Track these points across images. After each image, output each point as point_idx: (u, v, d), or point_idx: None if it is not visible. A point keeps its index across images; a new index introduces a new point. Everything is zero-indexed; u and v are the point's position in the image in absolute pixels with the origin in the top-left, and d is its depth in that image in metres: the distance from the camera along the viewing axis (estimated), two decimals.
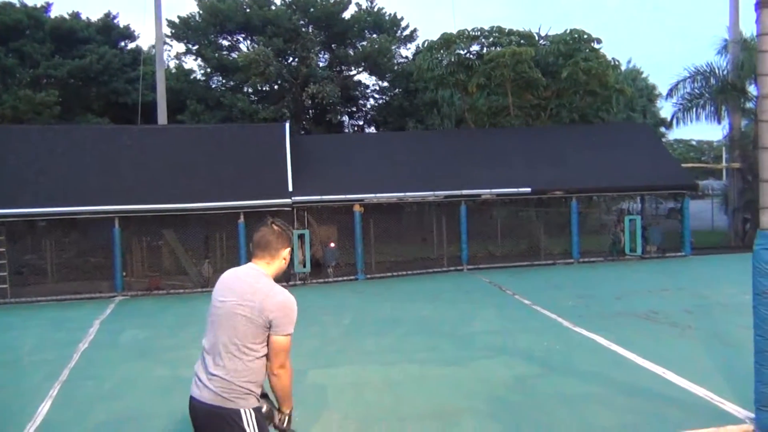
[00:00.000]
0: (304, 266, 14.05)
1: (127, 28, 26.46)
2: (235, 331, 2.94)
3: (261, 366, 3.00)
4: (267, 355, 3.00)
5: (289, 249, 3.19)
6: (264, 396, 3.10)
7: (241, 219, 13.78)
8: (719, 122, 21.08)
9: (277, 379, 3.01)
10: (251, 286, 3.01)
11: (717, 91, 20.00)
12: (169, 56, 27.73)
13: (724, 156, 26.62)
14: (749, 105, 19.62)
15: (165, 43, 24.50)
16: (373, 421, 5.42)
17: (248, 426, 2.91)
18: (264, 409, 3.03)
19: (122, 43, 26.45)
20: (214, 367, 2.94)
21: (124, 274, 13.80)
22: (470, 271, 15.06)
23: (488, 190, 15.32)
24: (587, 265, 15.51)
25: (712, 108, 20.54)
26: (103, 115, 23.63)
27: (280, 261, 3.17)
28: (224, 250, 15.04)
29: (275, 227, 3.16)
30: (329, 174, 15.27)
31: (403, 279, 14.50)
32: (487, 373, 6.70)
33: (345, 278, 14.58)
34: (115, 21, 26.10)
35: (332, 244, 14.82)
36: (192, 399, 3.02)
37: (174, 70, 27.02)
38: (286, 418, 3.13)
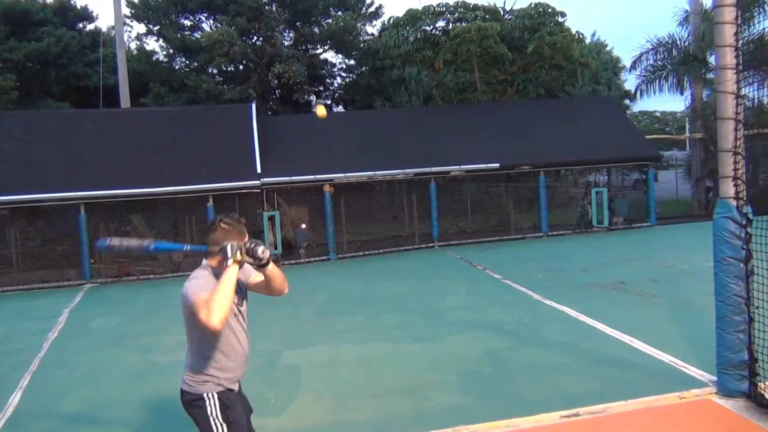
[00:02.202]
0: (275, 248, 13.99)
1: (84, 8, 25.74)
2: (185, 322, 3.17)
3: (207, 352, 3.13)
4: (206, 340, 3.10)
5: (245, 238, 3.16)
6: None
7: (210, 202, 13.64)
8: (682, 93, 21.46)
9: (213, 315, 2.81)
10: None
11: (679, 62, 20.29)
12: (130, 37, 27.10)
13: (687, 127, 27.09)
14: (710, 75, 19.96)
15: (125, 23, 23.92)
16: (347, 399, 5.47)
17: (210, 410, 3.12)
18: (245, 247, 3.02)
19: (80, 25, 25.72)
20: (186, 356, 3.26)
21: (92, 261, 13.58)
22: (441, 247, 15.17)
23: (457, 167, 15.39)
24: (556, 238, 15.73)
25: (675, 79, 20.86)
26: (63, 100, 23.07)
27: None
28: (194, 234, 14.89)
29: (223, 225, 3.13)
30: (298, 154, 15.17)
31: (374, 257, 14.55)
32: (458, 347, 6.80)
33: (317, 259, 14.57)
34: (72, 2, 25.38)
35: (303, 225, 14.77)
36: None
37: (135, 52, 26.42)
38: (244, 247, 3.03)
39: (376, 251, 14.97)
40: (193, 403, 3.14)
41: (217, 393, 3.14)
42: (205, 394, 3.13)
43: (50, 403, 5.88)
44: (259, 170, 14.15)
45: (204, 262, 3.21)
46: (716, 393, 4.98)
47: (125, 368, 6.83)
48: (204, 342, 3.12)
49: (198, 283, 3.02)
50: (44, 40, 22.33)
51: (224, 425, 3.11)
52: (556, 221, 16.65)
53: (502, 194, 17.68)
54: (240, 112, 16.25)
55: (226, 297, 2.85)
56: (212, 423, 3.10)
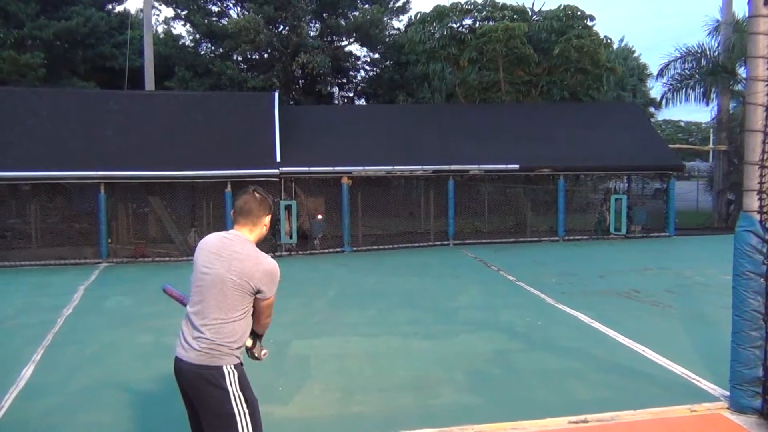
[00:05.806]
0: (291, 237, 14.04)
1: None
2: (224, 296, 3.09)
3: (244, 326, 3.18)
4: (252, 314, 3.23)
5: (269, 216, 3.35)
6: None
7: (228, 188, 13.71)
8: (708, 104, 21.18)
9: (264, 327, 3.37)
10: (239, 254, 3.14)
11: (707, 72, 20.01)
12: (158, 21, 27.31)
13: (711, 138, 26.77)
14: (738, 87, 19.67)
15: (153, 7, 24.05)
16: (354, 392, 5.47)
17: (230, 383, 3.07)
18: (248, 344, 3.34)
19: (109, 6, 25.93)
20: (202, 328, 3.08)
21: (110, 240, 13.71)
22: (456, 246, 15.12)
23: (476, 166, 15.34)
24: (572, 242, 15.62)
25: (702, 89, 20.58)
26: (89, 79, 23.27)
27: (261, 228, 3.32)
28: (211, 218, 14.98)
29: (257, 195, 3.29)
30: (318, 145, 15.19)
31: (389, 252, 14.55)
32: (468, 346, 6.78)
33: (331, 250, 14.60)
34: None
35: (319, 216, 14.81)
36: (178, 360, 3.14)
37: (162, 35, 26.59)
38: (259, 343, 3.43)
39: (390, 246, 14.97)
40: (208, 377, 3.04)
41: (236, 365, 3.13)
42: (225, 366, 3.07)
43: (61, 378, 5.95)
44: (278, 159, 14.19)
45: (240, 233, 3.24)
46: (728, 408, 4.92)
47: (136, 348, 6.89)
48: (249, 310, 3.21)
49: (279, 277, 3.23)
50: (73, 20, 22.52)
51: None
52: (573, 226, 16.55)
53: (520, 196, 17.59)
54: (262, 101, 16.28)
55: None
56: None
